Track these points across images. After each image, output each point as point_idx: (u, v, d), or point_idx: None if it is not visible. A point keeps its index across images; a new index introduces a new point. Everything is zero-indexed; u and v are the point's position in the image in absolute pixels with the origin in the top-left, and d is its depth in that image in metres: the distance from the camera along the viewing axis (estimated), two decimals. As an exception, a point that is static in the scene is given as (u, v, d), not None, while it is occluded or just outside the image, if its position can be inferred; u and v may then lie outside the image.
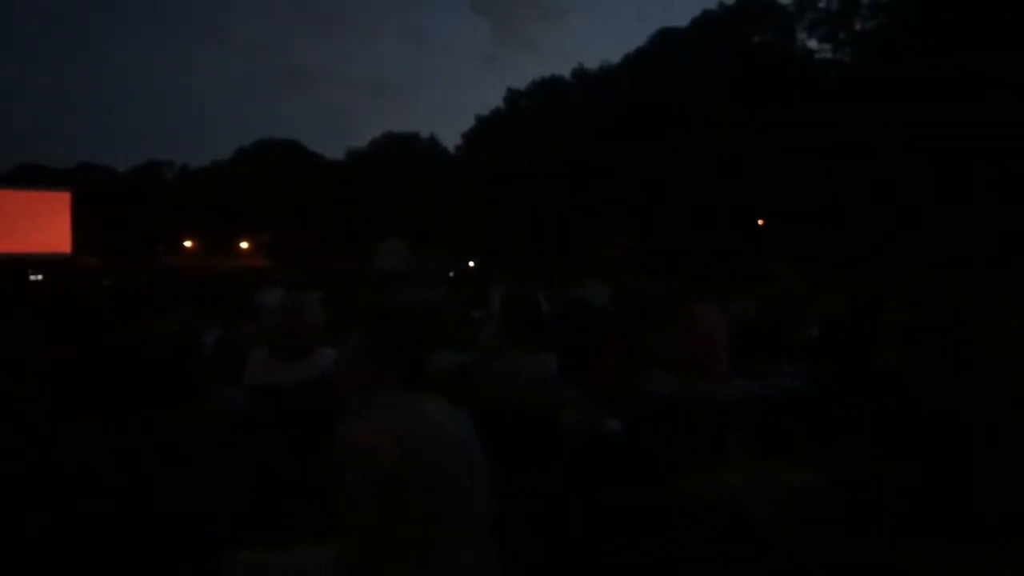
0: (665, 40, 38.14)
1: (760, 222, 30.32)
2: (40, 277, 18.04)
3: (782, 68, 30.46)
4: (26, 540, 1.55)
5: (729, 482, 3.24)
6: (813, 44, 32.75)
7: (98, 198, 42.44)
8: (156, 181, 66.94)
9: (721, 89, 29.77)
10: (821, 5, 31.02)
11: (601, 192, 32.24)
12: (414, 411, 2.03)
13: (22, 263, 18.69)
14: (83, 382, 3.65)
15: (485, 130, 49.42)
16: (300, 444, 3.00)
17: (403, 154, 56.07)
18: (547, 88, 46.97)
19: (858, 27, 30.20)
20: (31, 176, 45.46)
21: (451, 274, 23.06)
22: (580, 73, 45.90)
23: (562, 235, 32.27)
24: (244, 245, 63.61)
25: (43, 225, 19.73)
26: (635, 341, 5.22)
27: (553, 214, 34.32)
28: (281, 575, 2.05)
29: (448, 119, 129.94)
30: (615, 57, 43.89)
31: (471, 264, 36.14)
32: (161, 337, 5.36)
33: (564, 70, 51.96)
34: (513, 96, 49.32)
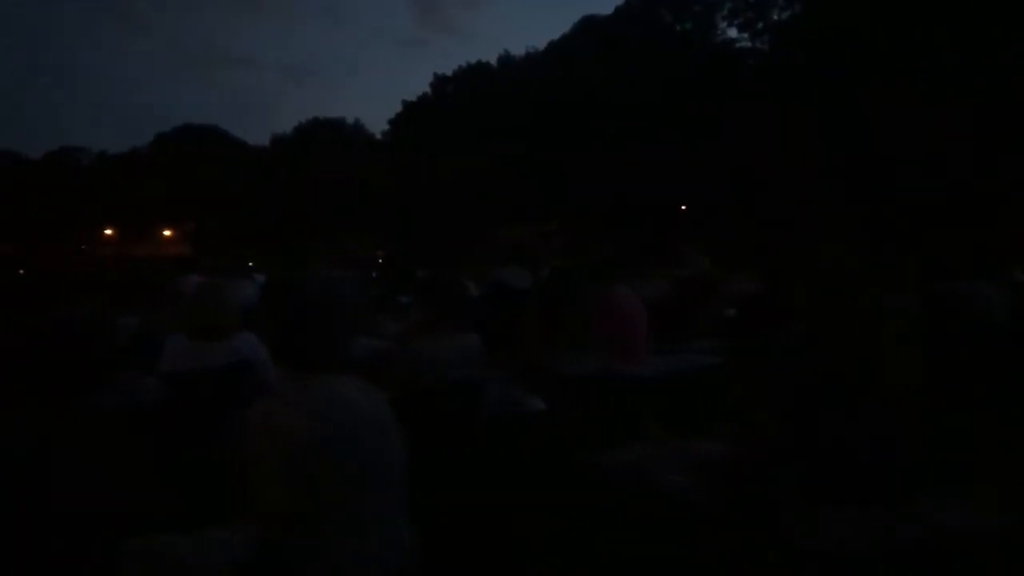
0: (588, 28, 38.54)
1: (683, 207, 30.96)
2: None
3: (703, 56, 31.11)
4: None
5: (641, 454, 3.36)
6: (732, 33, 33.65)
7: (10, 185, 40.71)
8: (71, 168, 64.48)
9: (643, 79, 30.27)
10: (739, -6, 31.89)
11: (524, 178, 32.45)
12: (327, 390, 2.04)
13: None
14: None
15: (412, 116, 49.06)
16: (215, 430, 3.00)
17: (329, 140, 55.20)
18: (473, 74, 46.87)
19: (775, 17, 31.08)
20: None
21: (380, 260, 22.90)
22: (506, 59, 45.95)
23: (485, 220, 32.38)
24: (167, 233, 61.86)
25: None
26: (556, 322, 5.33)
27: (476, 200, 34.43)
28: (183, 559, 2.02)
29: (374, 105, 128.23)
30: (540, 43, 44.16)
31: (400, 249, 35.94)
32: (72, 323, 5.23)
33: (490, 56, 51.89)
34: (439, 82, 49.06)
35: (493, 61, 46.94)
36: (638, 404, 4.31)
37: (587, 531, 2.88)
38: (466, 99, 43.03)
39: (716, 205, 27.19)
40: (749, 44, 32.96)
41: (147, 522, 2.17)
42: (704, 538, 2.71)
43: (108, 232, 61.32)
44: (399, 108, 51.40)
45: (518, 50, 45.91)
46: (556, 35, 42.24)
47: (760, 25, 31.92)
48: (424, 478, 2.27)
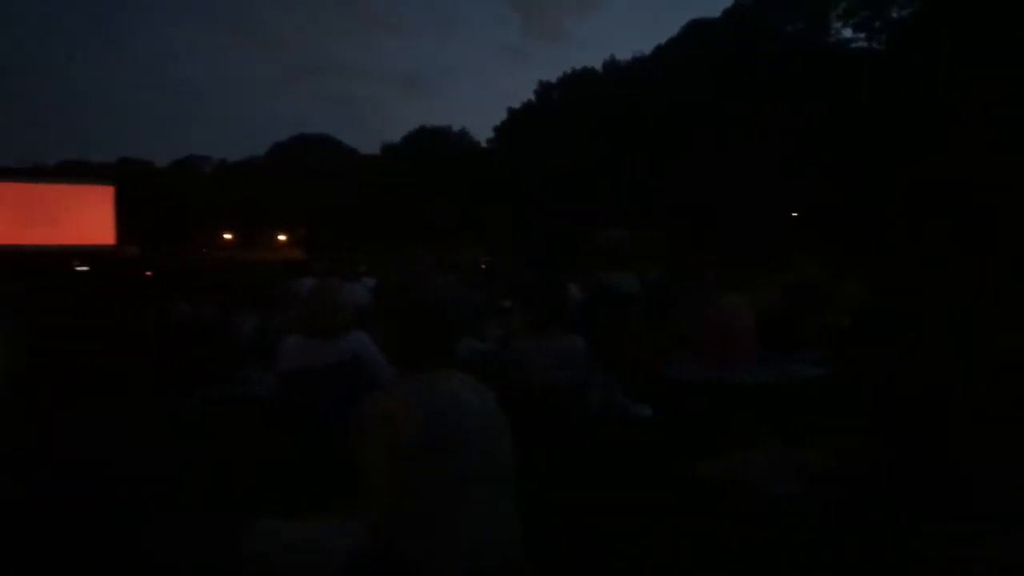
0: (696, 31, 37.90)
1: (793, 214, 30.05)
2: (86, 268, 18.41)
3: (816, 58, 30.14)
4: (52, 510, 1.65)
5: (743, 463, 3.30)
6: (848, 33, 32.33)
7: (139, 191, 43.11)
8: (194, 175, 68.04)
9: (752, 81, 29.56)
10: (856, -9, 30.54)
11: (629, 182, 32.21)
12: (437, 385, 2.09)
13: (67, 254, 19.15)
14: (124, 364, 3.79)
15: (516, 123, 49.43)
16: (327, 424, 3.12)
17: (435, 148, 56.23)
18: (578, 80, 46.85)
19: (895, 14, 29.76)
20: (74, 171, 46.20)
21: (483, 266, 23.10)
22: (611, 65, 45.72)
23: (589, 224, 32.27)
24: (281, 238, 64.38)
25: (88, 217, 20.09)
26: (662, 327, 5.29)
27: (580, 205, 34.37)
28: (298, 543, 2.12)
29: (480, 112, 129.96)
30: (647, 48, 43.71)
31: (504, 255, 36.25)
32: (196, 322, 5.54)
33: (596, 62, 51.85)
34: (544, 89, 49.25)
35: (599, 67, 46.86)
36: (745, 413, 4.23)
37: (693, 538, 2.84)
38: (571, 105, 43.04)
39: (830, 212, 26.25)
40: (866, 44, 31.69)
41: (265, 506, 2.29)
42: (813, 549, 2.64)
43: (227, 236, 64.28)
44: (504, 115, 51.94)
45: (624, 55, 45.63)
46: (663, 39, 41.76)
47: (877, 24, 30.65)
48: (528, 477, 2.29)
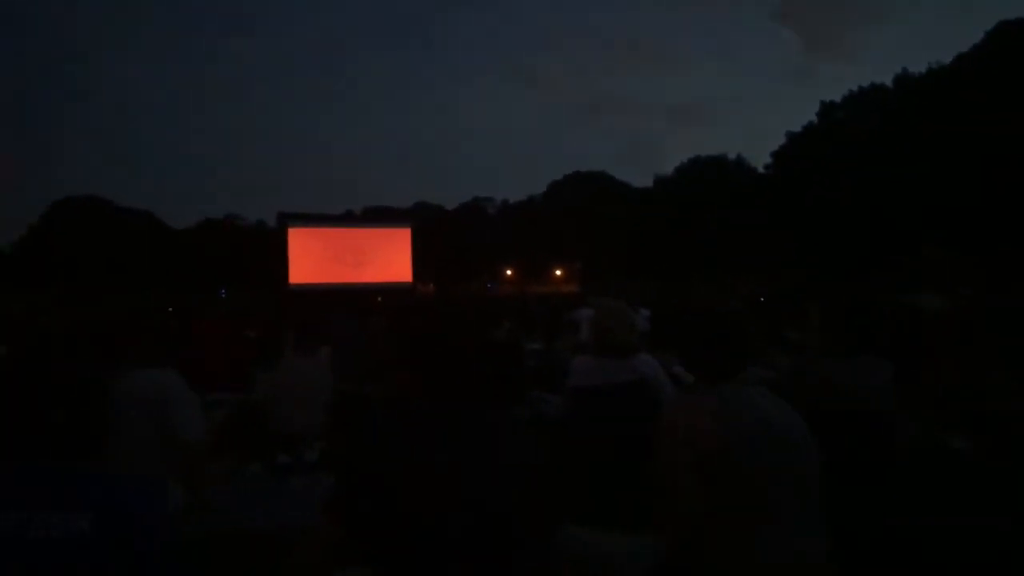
0: (1005, 34, 33.83)
1: None
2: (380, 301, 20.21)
3: None
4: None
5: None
6: None
7: (432, 233, 46.85)
8: (480, 216, 72.81)
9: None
10: None
11: (930, 200, 29.47)
12: (737, 397, 2.05)
13: (373, 292, 21.21)
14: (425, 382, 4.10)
15: (796, 147, 47.33)
16: (620, 440, 3.14)
17: (710, 177, 55.43)
18: (865, 98, 43.94)
19: None
20: (378, 215, 51.14)
21: (761, 299, 22.29)
22: (903, 79, 42.33)
23: (885, 245, 29.91)
24: (558, 272, 66.74)
25: (389, 257, 22.14)
26: (979, 351, 4.75)
27: (873, 225, 32.00)
28: (600, 556, 2.16)
29: (758, 139, 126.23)
30: (946, 57, 39.86)
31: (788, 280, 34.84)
32: (490, 347, 5.86)
33: (886, 77, 48.26)
34: (827, 109, 46.72)
35: (888, 82, 43.64)
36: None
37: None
38: (859, 124, 40.41)
39: None
40: None
41: (564, 520, 2.35)
42: None
43: (508, 272, 67.84)
44: (783, 140, 49.97)
45: (918, 68, 41.97)
46: (965, 47, 37.77)
47: None
48: (836, 503, 2.15)
